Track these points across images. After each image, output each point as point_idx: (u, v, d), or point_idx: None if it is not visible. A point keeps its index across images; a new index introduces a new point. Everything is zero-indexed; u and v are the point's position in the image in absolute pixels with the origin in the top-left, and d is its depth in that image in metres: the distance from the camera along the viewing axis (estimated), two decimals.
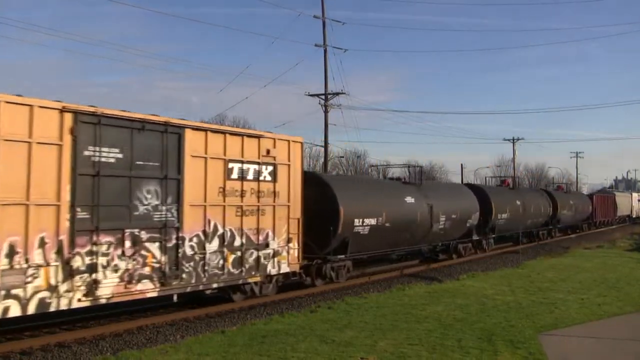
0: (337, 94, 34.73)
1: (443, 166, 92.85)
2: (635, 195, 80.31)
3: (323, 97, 34.92)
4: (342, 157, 73.38)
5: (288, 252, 16.83)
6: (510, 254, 31.27)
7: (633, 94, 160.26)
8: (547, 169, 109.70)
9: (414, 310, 15.05)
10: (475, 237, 28.87)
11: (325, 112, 34.88)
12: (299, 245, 17.29)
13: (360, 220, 19.78)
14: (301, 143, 18.02)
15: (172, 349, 11.33)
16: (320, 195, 18.71)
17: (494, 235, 31.27)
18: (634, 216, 75.45)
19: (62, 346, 11.55)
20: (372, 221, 20.30)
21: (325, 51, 34.71)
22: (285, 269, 16.81)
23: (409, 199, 22.89)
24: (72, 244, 11.61)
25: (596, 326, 13.59)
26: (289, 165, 17.04)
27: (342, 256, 19.50)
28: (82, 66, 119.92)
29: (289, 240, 16.83)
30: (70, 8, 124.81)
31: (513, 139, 67.99)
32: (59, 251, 11.42)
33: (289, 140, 17.40)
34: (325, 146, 36.10)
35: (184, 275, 13.87)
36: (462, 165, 74.45)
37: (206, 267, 14.40)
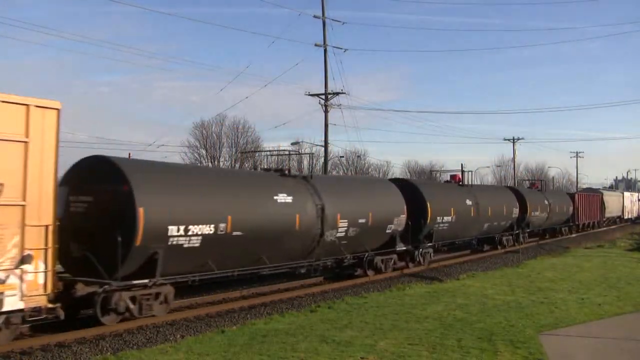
0: (337, 93, 34.73)
1: (443, 166, 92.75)
2: (627, 194, 73.64)
3: (323, 96, 34.92)
4: (342, 157, 73.40)
5: (21, 279, 10.80)
6: (510, 254, 31.26)
7: (633, 94, 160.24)
8: (547, 169, 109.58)
9: (414, 310, 15.04)
10: (400, 248, 22.60)
11: (326, 111, 34.89)
12: (47, 266, 11.21)
13: (180, 228, 13.70)
14: (56, 110, 11.46)
15: (172, 348, 11.33)
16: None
17: (431, 244, 24.91)
18: (626, 217, 69.35)
19: (62, 346, 11.55)
20: (207, 229, 14.29)
21: (325, 51, 34.74)
22: (13, 304, 10.74)
23: (283, 198, 17.03)
24: None
25: (596, 326, 13.59)
26: (25, 143, 10.91)
27: (146, 281, 13.41)
28: (82, 66, 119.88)
29: (23, 261, 10.84)
30: (70, 8, 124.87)
31: (513, 139, 68.02)
32: None
33: (26, 105, 10.99)
34: (326, 146, 36.11)
35: None
36: (462, 165, 74.38)
37: None
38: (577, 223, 47.56)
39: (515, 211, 32.68)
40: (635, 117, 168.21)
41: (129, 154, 14.40)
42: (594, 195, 54.63)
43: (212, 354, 10.84)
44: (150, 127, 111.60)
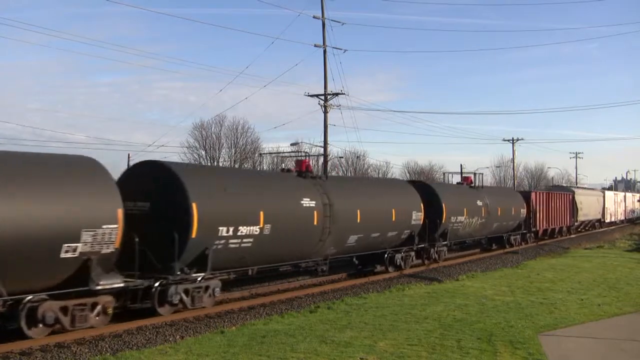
0: (337, 94, 34.70)
1: (442, 167, 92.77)
2: (609, 194, 63.03)
3: (323, 97, 34.91)
4: (342, 157, 73.38)
5: None
6: (509, 254, 31.28)
7: (633, 94, 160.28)
8: (547, 170, 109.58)
9: (413, 311, 15.04)
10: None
11: (325, 112, 34.86)
12: None
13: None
14: None
15: (172, 349, 11.33)
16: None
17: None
18: (608, 220, 59.65)
19: (62, 346, 11.55)
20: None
21: (324, 51, 34.71)
22: None
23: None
24: None
25: (596, 326, 13.59)
26: None
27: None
28: (82, 66, 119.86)
29: None
30: (69, 8, 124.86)
31: (513, 139, 67.92)
32: None
33: None
34: (325, 146, 36.09)
35: None
36: (461, 165, 74.37)
37: None
38: (534, 230, 37.78)
39: (419, 215, 23.33)
40: (635, 117, 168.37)
41: (129, 154, 14.52)
42: (561, 195, 43.72)
43: (212, 355, 10.84)
44: (149, 128, 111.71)
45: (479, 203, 28.86)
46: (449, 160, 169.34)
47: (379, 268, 22.56)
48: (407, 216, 22.59)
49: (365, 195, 20.94)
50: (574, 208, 46.13)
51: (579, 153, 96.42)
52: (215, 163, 67.76)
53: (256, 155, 70.62)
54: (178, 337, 12.50)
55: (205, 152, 69.33)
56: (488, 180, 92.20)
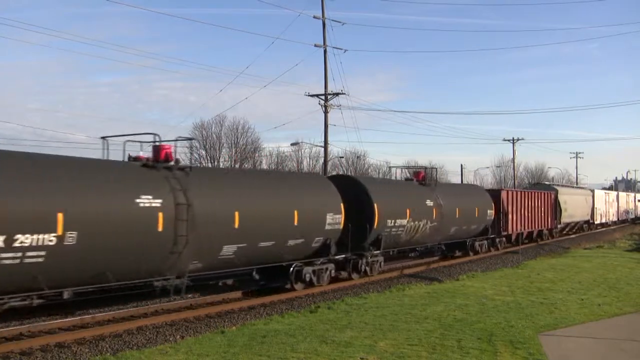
0: (337, 94, 34.68)
1: (443, 166, 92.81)
2: (599, 193, 57.88)
3: (323, 97, 34.91)
4: (342, 157, 73.37)
5: None
6: (510, 254, 31.28)
7: (633, 94, 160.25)
8: (547, 169, 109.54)
9: (413, 311, 15.04)
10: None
11: (325, 112, 34.85)
12: None
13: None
14: None
15: (172, 349, 11.33)
16: None
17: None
18: (598, 222, 54.89)
19: (62, 346, 11.55)
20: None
21: (325, 51, 34.70)
22: None
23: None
24: None
25: (596, 326, 13.59)
26: None
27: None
28: (82, 66, 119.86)
29: None
30: (69, 8, 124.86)
31: (513, 139, 67.92)
32: None
33: None
34: (325, 146, 36.08)
35: None
36: (462, 165, 74.38)
37: None
38: (505, 234, 32.46)
39: (337, 219, 18.95)
40: (635, 117, 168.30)
41: (129, 154, 14.39)
42: (541, 194, 38.53)
43: (212, 355, 10.84)
44: (149, 128, 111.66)
45: (429, 203, 24.30)
46: (449, 160, 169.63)
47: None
48: (319, 220, 18.17)
49: (249, 193, 16.12)
50: (556, 208, 41.18)
51: (579, 153, 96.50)
52: (215, 163, 67.80)
53: (256, 155, 70.71)
54: (178, 337, 12.51)
55: (206, 152, 69.40)
56: (488, 180, 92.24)
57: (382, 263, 22.27)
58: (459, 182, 68.89)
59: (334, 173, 71.56)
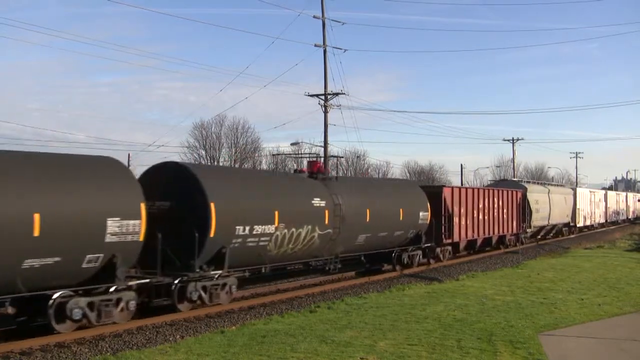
0: (337, 94, 34.68)
1: (443, 166, 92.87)
2: (582, 191, 51.27)
3: (323, 97, 34.90)
4: (342, 157, 73.33)
5: None
6: (510, 254, 31.28)
7: (633, 94, 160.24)
8: (547, 169, 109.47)
9: (413, 311, 15.04)
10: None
11: (325, 112, 34.85)
12: None
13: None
14: None
15: (172, 349, 11.33)
16: None
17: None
18: (581, 224, 48.98)
19: (62, 346, 11.55)
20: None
21: (324, 51, 34.69)
22: None
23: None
24: None
25: (596, 326, 13.59)
26: None
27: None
28: (82, 66, 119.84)
29: None
30: (70, 9, 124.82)
31: (513, 139, 67.88)
32: None
33: None
34: (325, 147, 36.06)
35: None
36: (462, 165, 74.32)
37: None
38: (449, 241, 25.94)
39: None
40: (635, 117, 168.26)
41: (129, 154, 14.30)
42: (502, 192, 31.88)
43: (212, 355, 10.84)
44: (149, 128, 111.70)
45: (319, 203, 18.11)
46: (449, 160, 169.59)
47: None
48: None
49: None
50: (525, 210, 35.27)
51: (579, 153, 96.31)
52: (215, 163, 67.79)
53: (256, 155, 70.65)
54: (178, 336, 12.50)
55: (206, 152, 69.39)
56: (488, 180, 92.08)
57: (233, 288, 15.83)
58: (459, 182, 68.68)
59: (334, 173, 71.67)
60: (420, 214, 23.69)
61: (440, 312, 14.90)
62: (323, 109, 34.92)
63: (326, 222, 18.46)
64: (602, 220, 57.70)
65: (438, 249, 25.74)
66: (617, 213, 64.74)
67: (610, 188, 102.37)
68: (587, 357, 11.11)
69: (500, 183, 40.02)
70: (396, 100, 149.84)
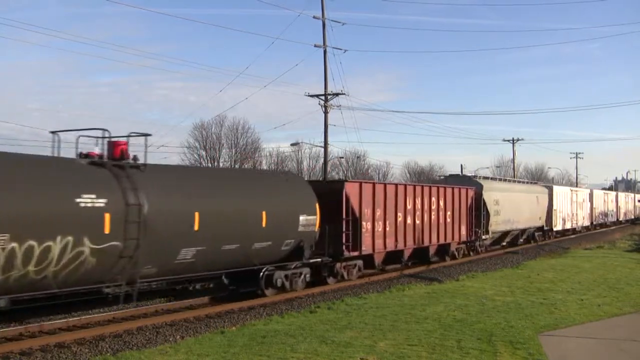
0: (337, 94, 34.69)
1: (443, 167, 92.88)
2: (560, 190, 44.92)
3: (323, 97, 34.91)
4: (342, 157, 73.41)
5: None
6: (510, 254, 31.30)
7: (633, 94, 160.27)
8: (547, 170, 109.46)
9: (413, 311, 15.05)
10: None
11: (325, 112, 34.85)
12: None
13: None
14: None
15: (172, 349, 11.34)
16: None
17: None
18: (559, 228, 43.21)
19: (62, 347, 11.55)
20: None
21: (324, 52, 34.70)
22: None
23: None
24: None
25: (596, 327, 13.59)
26: None
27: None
28: (82, 66, 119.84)
29: None
30: (69, 9, 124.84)
31: (513, 140, 67.87)
32: None
33: None
34: (325, 147, 36.07)
35: None
36: (461, 165, 74.25)
37: None
38: (356, 253, 20.04)
39: None
40: (636, 118, 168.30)
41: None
42: (443, 190, 25.75)
43: (212, 355, 10.85)
44: (150, 128, 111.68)
45: (92, 203, 12.29)
46: (449, 160, 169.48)
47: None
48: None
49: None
50: (480, 212, 29.21)
51: (579, 153, 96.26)
52: (215, 163, 67.78)
53: (256, 155, 70.66)
54: (178, 337, 12.51)
55: (206, 153, 69.39)
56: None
57: None
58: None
59: (334, 174, 71.80)
60: (302, 218, 17.59)
61: (440, 312, 14.90)
62: (323, 109, 34.93)
63: (106, 230, 12.46)
64: (587, 223, 51.76)
65: (338, 265, 19.69)
66: (605, 215, 58.99)
67: (611, 188, 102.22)
68: (587, 358, 11.12)
69: (451, 179, 32.67)
70: (396, 100, 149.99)
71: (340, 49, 35.86)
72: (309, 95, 35.52)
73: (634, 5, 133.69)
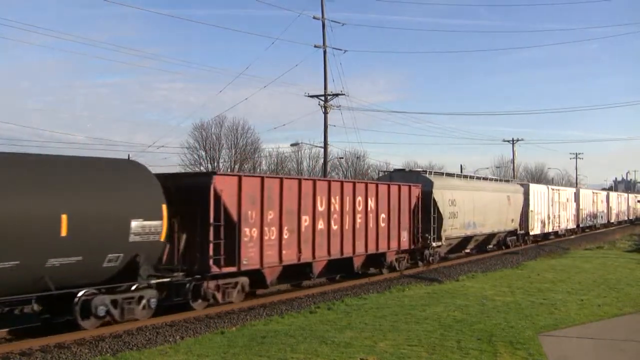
0: (337, 95, 34.74)
1: (443, 167, 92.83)
2: (538, 189, 39.97)
3: (323, 98, 34.93)
4: (342, 158, 73.41)
5: None
6: (510, 255, 31.30)
7: (633, 94, 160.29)
8: (547, 170, 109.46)
9: (413, 311, 15.04)
10: None
11: (325, 113, 34.88)
12: None
13: None
14: None
15: (172, 349, 11.34)
16: None
17: None
18: (536, 231, 38.36)
19: (62, 347, 11.55)
20: None
21: (324, 52, 34.74)
22: None
23: None
24: None
25: (596, 327, 13.58)
26: None
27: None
28: (82, 67, 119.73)
29: None
30: (69, 10, 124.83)
31: (512, 140, 67.92)
32: None
33: None
34: (325, 147, 36.11)
35: None
36: (461, 166, 74.29)
37: None
38: (228, 272, 15.31)
39: None
40: (634, 118, 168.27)
41: (129, 155, 14.08)
42: (379, 187, 21.47)
43: (212, 355, 10.84)
44: (150, 128, 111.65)
45: None
46: (449, 160, 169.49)
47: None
48: None
49: None
50: (430, 214, 24.35)
51: (579, 154, 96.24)
52: (215, 164, 67.81)
53: (256, 156, 70.67)
54: (178, 337, 12.51)
55: (205, 153, 69.41)
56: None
57: None
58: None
59: (334, 174, 71.82)
60: (135, 224, 13.20)
61: (440, 312, 14.90)
62: (323, 109, 34.97)
63: None
64: (572, 226, 47.11)
65: (205, 285, 15.01)
66: (594, 216, 54.18)
67: (610, 189, 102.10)
68: (587, 358, 11.11)
69: (397, 174, 26.90)
70: (396, 100, 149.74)
71: (340, 50, 35.96)
72: (308, 96, 35.58)
73: (633, 6, 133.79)
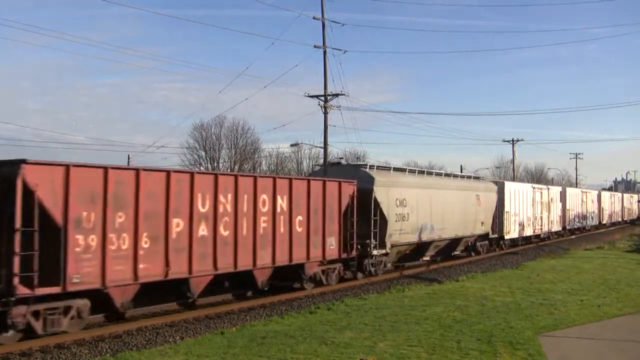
0: (337, 95, 34.70)
1: (442, 167, 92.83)
2: (514, 187, 36.13)
3: (323, 98, 34.91)
4: (342, 158, 73.32)
5: None
6: (510, 255, 31.30)
7: (633, 95, 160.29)
8: (547, 170, 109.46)
9: (413, 312, 15.04)
10: None
11: (325, 113, 34.85)
12: None
13: None
14: None
15: (172, 350, 11.33)
16: None
17: None
18: (513, 235, 34.41)
19: (62, 347, 11.56)
20: None
21: (324, 52, 34.69)
22: None
23: None
24: None
25: (596, 327, 13.58)
26: None
27: None
28: (82, 67, 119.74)
29: None
30: (69, 10, 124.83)
31: (512, 140, 67.88)
32: None
33: None
34: (325, 147, 36.08)
35: None
36: (461, 166, 74.29)
37: None
38: (44, 294, 11.40)
39: None
40: (634, 118, 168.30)
41: (128, 155, 14.11)
42: (295, 183, 17.65)
43: (212, 356, 10.84)
44: (150, 129, 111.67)
45: None
46: (449, 160, 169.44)
47: None
48: None
49: None
50: (370, 216, 20.72)
51: (579, 154, 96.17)
52: (215, 164, 67.81)
53: (256, 156, 70.70)
54: (178, 337, 12.51)
55: (205, 153, 69.45)
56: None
57: None
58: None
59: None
60: None
61: (440, 313, 14.89)
62: (323, 109, 34.93)
63: None
64: (558, 228, 43.00)
65: (12, 313, 11.24)
66: (583, 217, 50.07)
67: (610, 189, 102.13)
68: (587, 358, 11.11)
69: (333, 169, 23.50)
70: (396, 101, 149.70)
71: (340, 50, 35.86)
72: (308, 96, 35.53)
73: (632, 6, 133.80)
